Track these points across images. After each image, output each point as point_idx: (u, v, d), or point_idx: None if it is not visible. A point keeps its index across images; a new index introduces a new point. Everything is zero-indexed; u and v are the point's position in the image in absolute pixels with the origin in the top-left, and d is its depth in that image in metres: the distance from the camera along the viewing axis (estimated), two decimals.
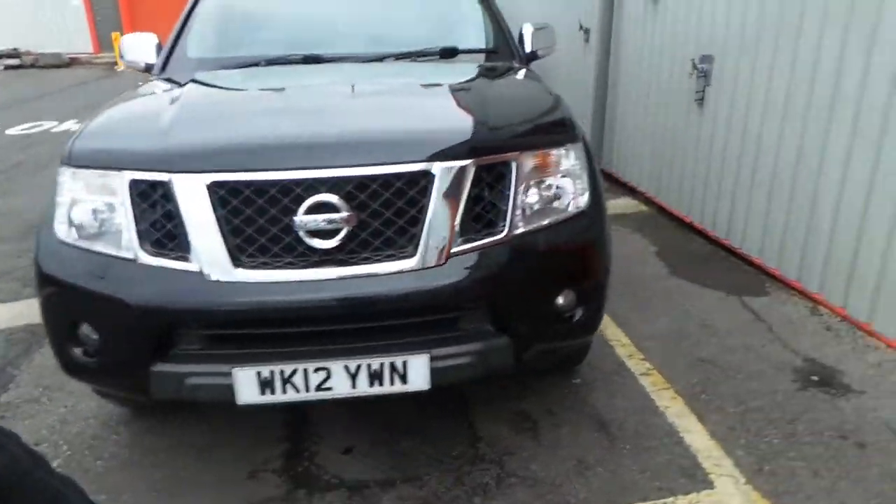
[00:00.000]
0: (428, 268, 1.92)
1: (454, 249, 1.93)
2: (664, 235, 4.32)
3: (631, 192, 5.13)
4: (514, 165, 2.02)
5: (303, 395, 1.91)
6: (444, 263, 1.92)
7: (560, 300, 2.08)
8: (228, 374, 1.87)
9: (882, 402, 2.57)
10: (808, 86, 3.17)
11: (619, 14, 5.00)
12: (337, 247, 1.89)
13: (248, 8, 3.39)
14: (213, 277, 1.86)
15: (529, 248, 2.02)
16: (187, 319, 1.93)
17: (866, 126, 2.87)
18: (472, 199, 1.96)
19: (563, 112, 2.30)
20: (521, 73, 2.91)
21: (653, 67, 4.62)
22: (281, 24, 3.28)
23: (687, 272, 3.74)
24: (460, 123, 2.09)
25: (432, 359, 1.91)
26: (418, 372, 1.92)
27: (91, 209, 1.97)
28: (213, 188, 1.86)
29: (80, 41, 15.58)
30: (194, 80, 2.63)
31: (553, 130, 2.20)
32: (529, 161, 2.05)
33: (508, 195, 2.01)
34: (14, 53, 14.80)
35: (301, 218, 1.86)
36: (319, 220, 1.85)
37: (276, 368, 1.87)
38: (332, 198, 1.86)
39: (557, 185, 2.10)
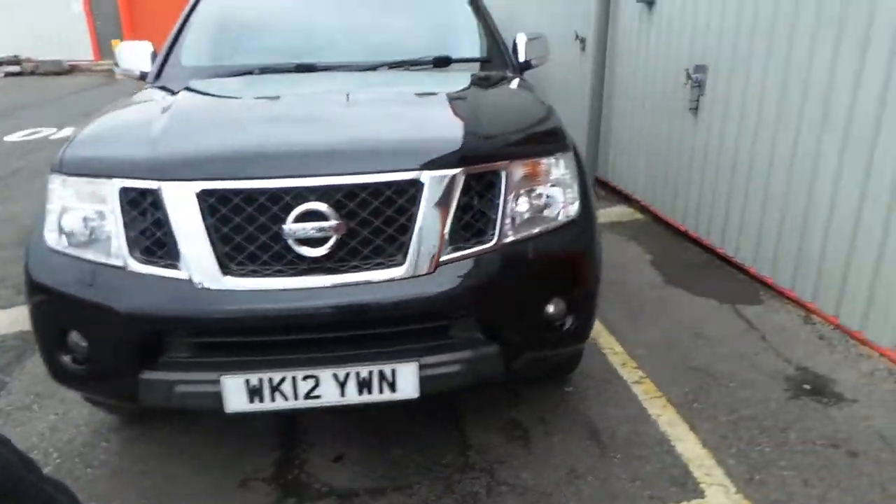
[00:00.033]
0: (417, 276, 1.92)
1: (443, 258, 1.94)
2: (659, 243, 4.32)
3: (626, 200, 5.13)
4: (503, 174, 2.03)
5: (291, 403, 1.91)
6: (433, 272, 1.93)
7: (550, 309, 2.08)
8: (217, 382, 1.87)
9: (874, 411, 2.56)
10: (801, 96, 3.18)
11: (614, 24, 5.03)
12: (326, 255, 1.89)
13: (242, 17, 3.41)
14: (203, 285, 1.87)
15: (519, 256, 2.02)
16: (176, 327, 1.94)
17: (858, 136, 2.88)
18: (461, 208, 1.97)
19: (554, 121, 2.30)
20: (514, 83, 2.91)
21: (648, 77, 4.64)
22: (275, 32, 3.30)
23: (681, 280, 3.74)
24: (450, 132, 2.09)
25: (421, 367, 1.91)
26: (407, 380, 1.92)
27: (81, 217, 1.98)
28: (203, 196, 1.87)
29: (80, 48, 15.60)
30: (188, 89, 2.64)
31: (543, 140, 2.21)
32: (519, 170, 2.06)
33: (498, 204, 2.01)
34: (14, 60, 14.84)
35: (290, 226, 1.86)
36: (308, 228, 1.86)
37: (265, 376, 1.87)
38: (322, 206, 1.86)
39: (547, 194, 2.11)
